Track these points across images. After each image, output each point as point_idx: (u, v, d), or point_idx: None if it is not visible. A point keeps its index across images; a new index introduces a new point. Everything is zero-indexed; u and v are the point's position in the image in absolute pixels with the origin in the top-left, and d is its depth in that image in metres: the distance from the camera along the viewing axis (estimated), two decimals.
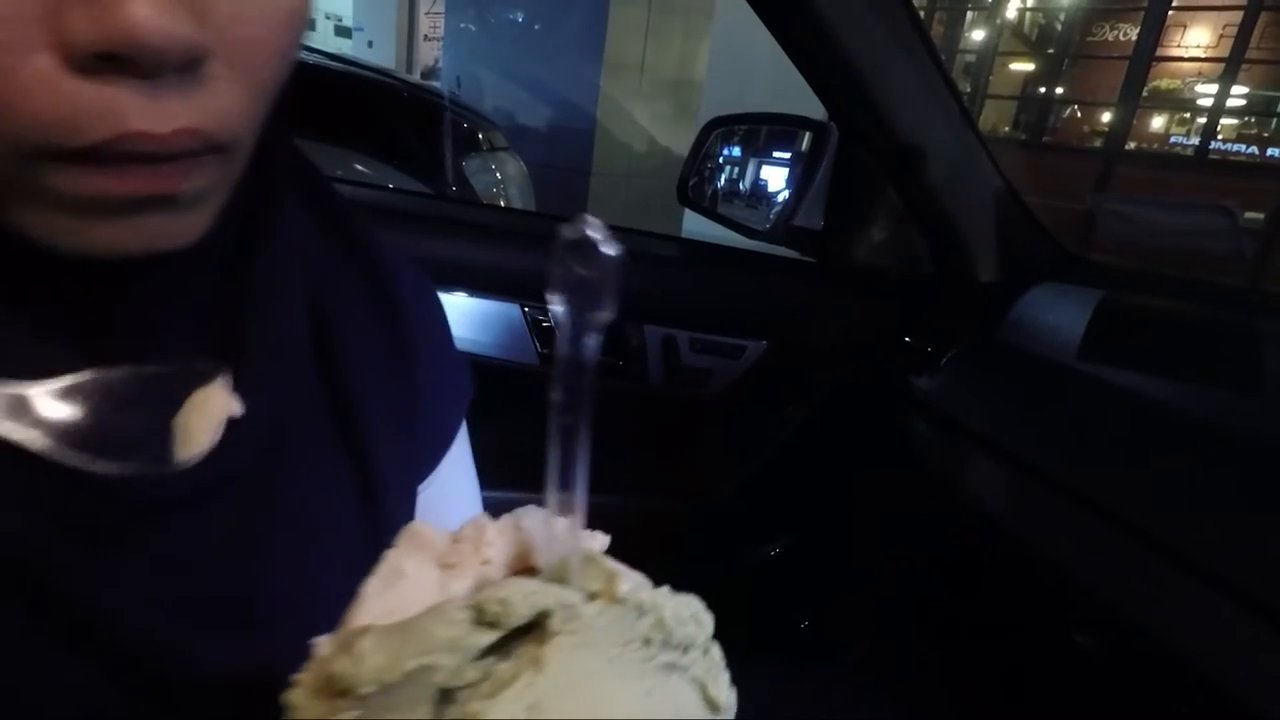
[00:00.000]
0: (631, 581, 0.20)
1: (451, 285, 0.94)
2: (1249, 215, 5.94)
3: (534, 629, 0.18)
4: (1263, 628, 0.55)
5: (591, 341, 0.19)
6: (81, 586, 0.28)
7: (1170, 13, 7.09)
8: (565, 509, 0.20)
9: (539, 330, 0.95)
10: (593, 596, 0.19)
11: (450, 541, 0.21)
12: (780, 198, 1.09)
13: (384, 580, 0.20)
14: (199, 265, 0.30)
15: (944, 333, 0.95)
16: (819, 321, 1.05)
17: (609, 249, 0.18)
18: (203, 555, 0.31)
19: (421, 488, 0.44)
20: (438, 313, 0.47)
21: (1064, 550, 0.70)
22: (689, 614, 0.20)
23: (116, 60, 0.21)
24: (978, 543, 0.83)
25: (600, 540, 0.23)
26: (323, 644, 0.19)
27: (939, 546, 0.94)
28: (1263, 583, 0.56)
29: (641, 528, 1.08)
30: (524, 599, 0.18)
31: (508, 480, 0.91)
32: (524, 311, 0.95)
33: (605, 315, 0.19)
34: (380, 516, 0.37)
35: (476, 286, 0.94)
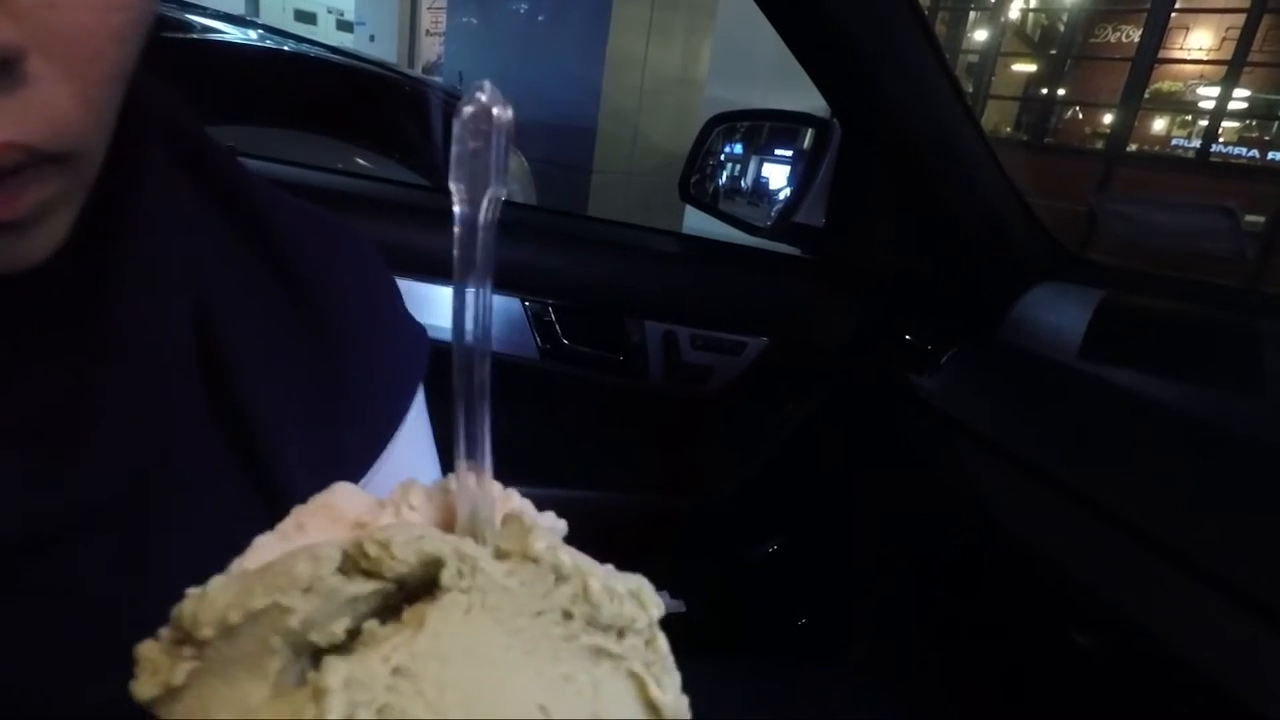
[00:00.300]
0: (551, 538, 0.16)
1: (451, 279, 0.93)
2: (1250, 218, 5.94)
3: (431, 590, 0.15)
4: (1262, 628, 0.55)
5: (486, 225, 0.17)
6: None
7: (1173, 15, 7.09)
8: (474, 458, 0.17)
9: (539, 324, 0.95)
10: (504, 556, 0.16)
11: (373, 505, 0.18)
12: (781, 195, 1.09)
13: (280, 534, 0.17)
14: (45, 268, 0.27)
15: (944, 331, 0.95)
16: (820, 319, 1.05)
17: (499, 109, 0.16)
18: (83, 586, 0.29)
19: (362, 482, 0.41)
20: (372, 290, 0.42)
21: (1064, 550, 0.69)
22: (625, 590, 0.16)
23: None
24: (977, 542, 0.83)
25: (550, 520, 0.19)
26: (191, 592, 0.16)
27: (938, 545, 0.94)
28: (1262, 583, 0.56)
29: (640, 525, 1.07)
30: (408, 544, 0.15)
31: (504, 476, 0.91)
32: (524, 305, 0.95)
33: (496, 190, 0.17)
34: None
35: None
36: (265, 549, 0.17)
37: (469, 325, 0.17)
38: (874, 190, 1.00)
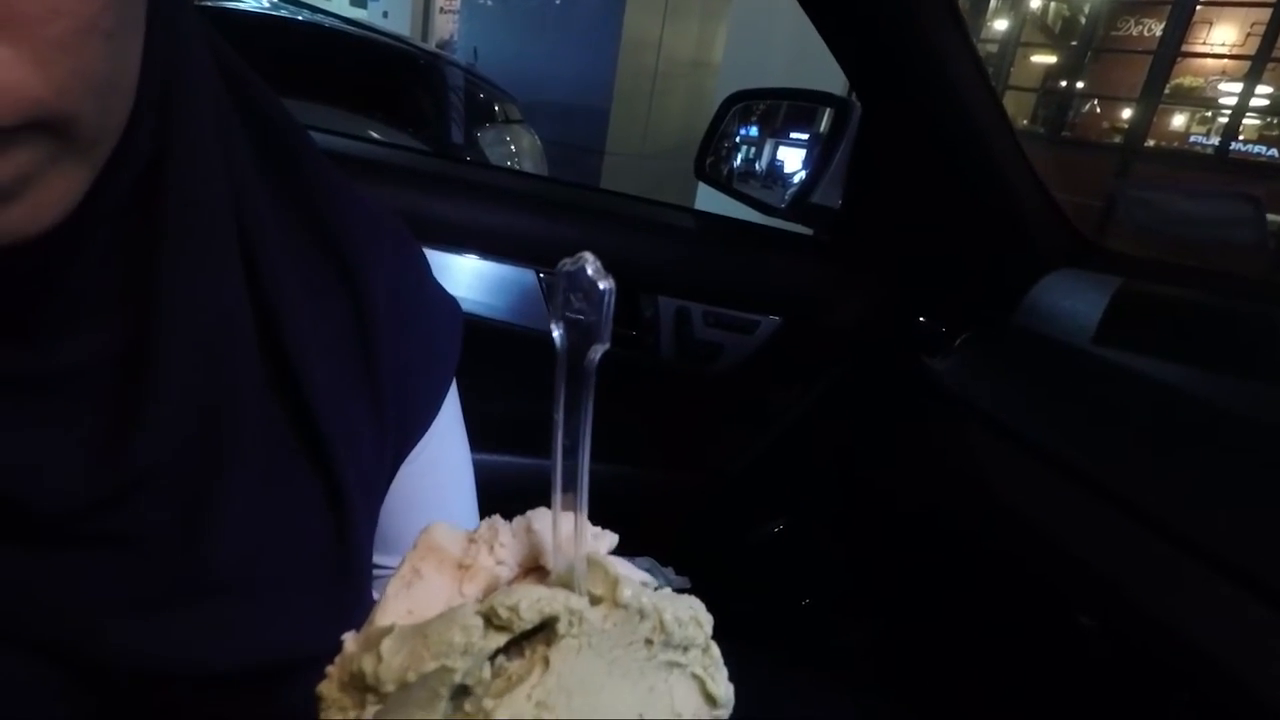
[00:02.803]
0: (633, 586, 0.21)
1: (463, 248, 0.94)
2: (1270, 217, 5.89)
3: (543, 629, 0.20)
4: (1268, 612, 0.55)
5: (590, 368, 0.20)
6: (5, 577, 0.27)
7: (1197, 8, 6.98)
8: (570, 528, 0.21)
9: (552, 296, 0.95)
10: (597, 600, 0.20)
11: (466, 542, 0.23)
12: (796, 178, 1.08)
13: (403, 581, 0.22)
14: (88, 242, 0.27)
15: (959, 314, 0.95)
16: (833, 300, 1.05)
17: (603, 283, 0.19)
18: (144, 539, 0.30)
19: (409, 460, 0.43)
20: (406, 269, 0.43)
21: (1071, 532, 0.70)
22: (689, 616, 0.21)
23: None
24: (984, 524, 0.83)
25: (609, 540, 0.23)
26: (349, 641, 0.20)
27: (945, 527, 0.95)
28: (1269, 568, 0.56)
29: (647, 500, 1.08)
30: (532, 606, 0.19)
31: (520, 446, 0.91)
32: (539, 277, 0.95)
33: (601, 345, 0.20)
34: (334, 476, 0.36)
35: (491, 250, 0.94)
36: (395, 598, 0.21)
37: (582, 461, 0.21)
38: (892, 171, 1.00)
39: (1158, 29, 7.30)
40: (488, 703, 0.19)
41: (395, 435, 0.42)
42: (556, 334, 0.20)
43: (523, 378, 0.73)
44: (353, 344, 0.38)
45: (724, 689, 0.22)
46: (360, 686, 0.19)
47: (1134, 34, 8.75)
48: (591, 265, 0.19)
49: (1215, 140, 7.46)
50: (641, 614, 0.20)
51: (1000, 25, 8.47)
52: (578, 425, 0.20)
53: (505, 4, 5.13)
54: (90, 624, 0.30)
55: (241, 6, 2.22)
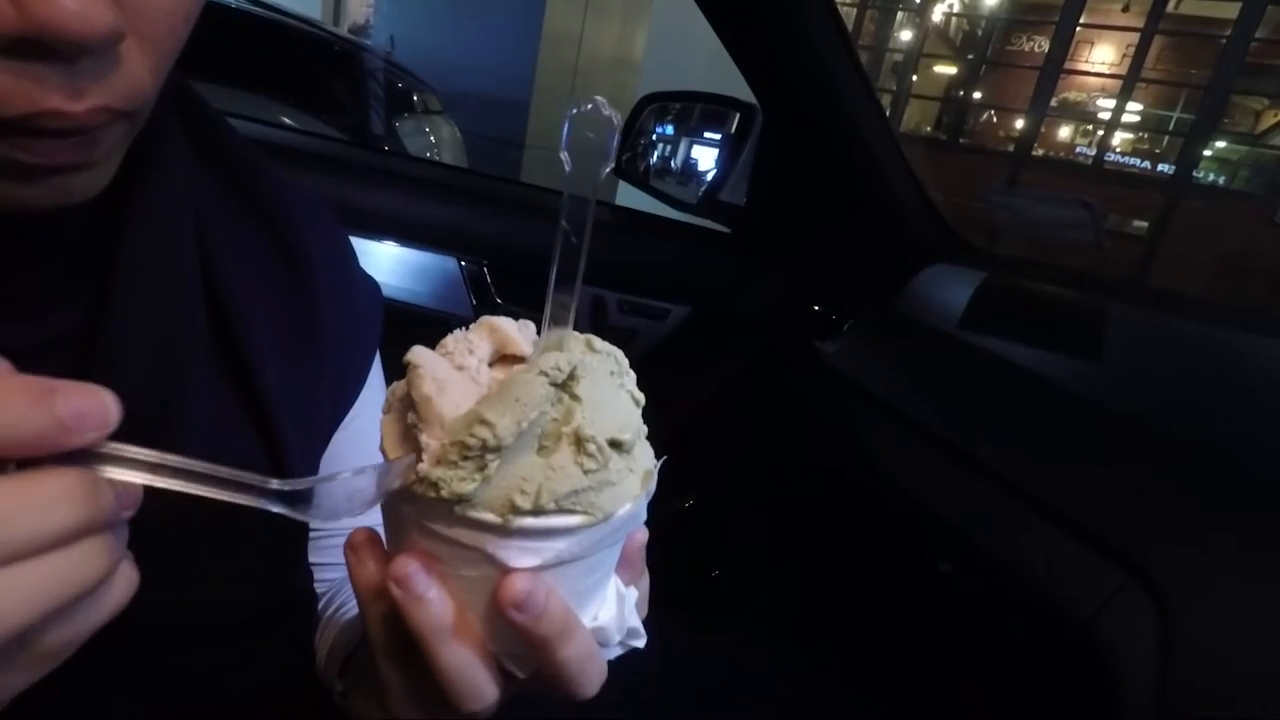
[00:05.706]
0: (599, 340, 0.30)
1: (385, 235, 0.96)
2: (1136, 223, 6.47)
3: (567, 379, 0.28)
4: (1087, 551, 0.66)
5: (596, 184, 0.26)
6: None
7: (1080, 29, 7.55)
8: (564, 303, 0.29)
9: (474, 283, 0.99)
10: (585, 352, 0.29)
11: (442, 354, 0.30)
12: (709, 176, 1.15)
13: (432, 390, 0.28)
14: (66, 211, 0.30)
15: (848, 303, 1.05)
16: (738, 289, 1.13)
17: (611, 114, 0.25)
18: None
19: (340, 427, 0.46)
20: (338, 251, 0.47)
21: (935, 492, 0.80)
22: (620, 354, 0.31)
23: (39, 44, 0.23)
24: (865, 485, 0.93)
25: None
26: (429, 441, 0.26)
27: (833, 496, 1.04)
28: (1089, 513, 0.67)
29: None
30: (567, 362, 0.28)
31: None
32: (460, 264, 0.98)
33: (610, 163, 0.26)
34: (279, 449, 0.40)
35: (413, 238, 0.97)
36: (432, 399, 0.27)
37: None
38: (791, 173, 1.08)
39: (1047, 46, 7.84)
40: (565, 428, 0.27)
41: (331, 402, 0.45)
42: (567, 161, 0.26)
43: None
44: (296, 314, 0.41)
45: (640, 396, 0.31)
46: (479, 452, 0.26)
47: (1026, 49, 9.37)
48: (602, 103, 0.26)
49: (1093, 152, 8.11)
50: (608, 354, 0.30)
51: (906, 36, 8.88)
52: (583, 221, 0.27)
53: None
54: None
55: None
